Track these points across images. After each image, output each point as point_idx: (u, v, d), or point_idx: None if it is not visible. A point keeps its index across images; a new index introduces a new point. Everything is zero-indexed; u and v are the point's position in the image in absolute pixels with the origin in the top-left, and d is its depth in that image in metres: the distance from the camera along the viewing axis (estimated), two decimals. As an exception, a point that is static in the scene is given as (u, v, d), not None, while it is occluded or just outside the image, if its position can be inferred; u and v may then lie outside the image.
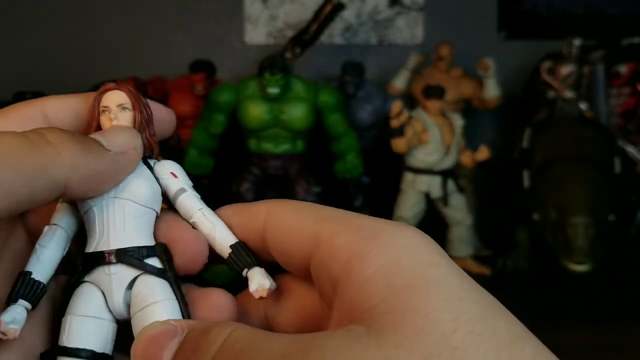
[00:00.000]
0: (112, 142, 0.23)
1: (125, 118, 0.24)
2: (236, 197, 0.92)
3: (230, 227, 0.24)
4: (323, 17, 0.96)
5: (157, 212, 0.24)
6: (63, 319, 0.22)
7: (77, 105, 0.25)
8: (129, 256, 0.23)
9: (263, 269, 0.23)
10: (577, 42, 0.94)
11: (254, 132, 0.93)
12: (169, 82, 1.05)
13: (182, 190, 0.24)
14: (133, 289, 0.23)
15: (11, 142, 0.20)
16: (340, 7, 0.97)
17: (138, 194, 0.23)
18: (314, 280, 0.21)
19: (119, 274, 0.23)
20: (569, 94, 0.94)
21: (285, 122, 0.91)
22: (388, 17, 1.18)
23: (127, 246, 0.23)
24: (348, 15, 1.15)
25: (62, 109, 0.25)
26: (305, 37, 0.96)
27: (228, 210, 0.25)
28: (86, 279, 0.23)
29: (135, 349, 0.21)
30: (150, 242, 0.23)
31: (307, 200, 0.86)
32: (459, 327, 0.16)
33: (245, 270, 0.23)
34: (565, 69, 0.95)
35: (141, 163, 0.24)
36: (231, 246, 0.23)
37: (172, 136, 0.28)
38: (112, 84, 0.25)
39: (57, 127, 0.22)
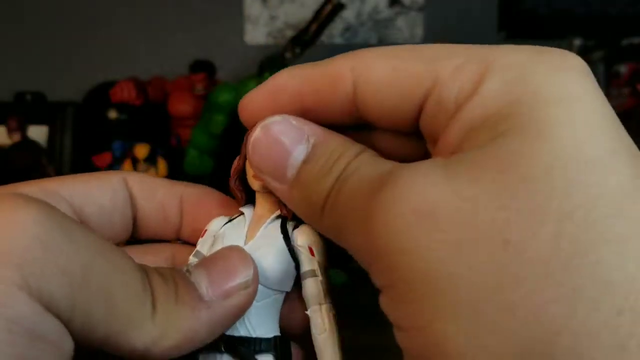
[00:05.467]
0: (215, 284, 0.18)
1: None
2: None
3: (299, 97, 0.19)
4: (323, 17, 0.96)
5: (286, 292, 0.21)
6: None
7: (159, 187, 0.23)
8: (239, 349, 0.20)
9: None
10: (577, 42, 0.94)
11: (254, 132, 0.93)
12: (169, 82, 1.05)
13: (312, 273, 0.20)
14: None
15: (126, 272, 0.17)
16: (340, 7, 0.97)
17: (267, 275, 0.20)
18: (426, 135, 0.18)
19: None
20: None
21: (285, 122, 0.91)
22: (388, 17, 1.18)
23: (242, 335, 0.20)
24: (348, 15, 1.15)
25: (144, 186, 0.22)
26: (305, 37, 0.96)
27: (288, 74, 0.19)
28: (200, 357, 0.20)
29: (257, 145, 0.18)
30: (272, 332, 0.20)
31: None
32: (552, 169, 0.14)
33: None
34: (565, 69, 0.95)
35: (276, 227, 0.21)
36: None
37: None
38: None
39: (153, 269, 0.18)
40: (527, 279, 0.13)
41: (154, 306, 0.17)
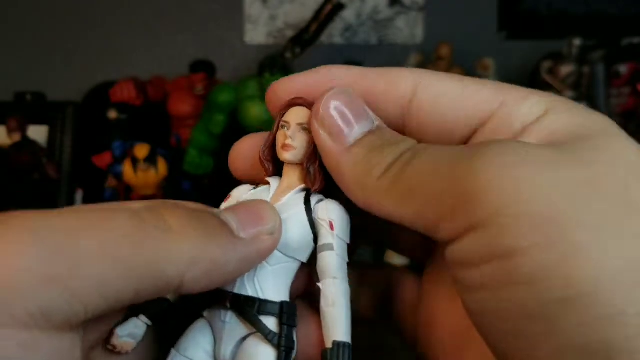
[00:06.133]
0: (245, 225, 0.19)
1: (301, 139, 0.21)
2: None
3: (354, 89, 0.20)
4: (323, 17, 0.96)
5: (301, 262, 0.21)
6: (172, 349, 0.21)
7: None
8: (244, 307, 0.20)
9: None
10: (577, 42, 0.94)
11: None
12: (169, 82, 1.05)
13: (329, 247, 0.20)
14: (242, 345, 0.20)
15: (121, 226, 0.16)
16: (340, 7, 0.97)
17: (285, 242, 0.20)
18: None
19: (232, 326, 0.20)
20: (569, 94, 0.94)
21: (285, 122, 0.91)
22: (388, 17, 1.18)
23: (249, 294, 0.20)
24: (348, 15, 1.15)
25: None
26: (305, 37, 0.96)
27: (346, 68, 0.21)
28: (205, 313, 0.21)
29: (328, 104, 0.20)
30: (281, 297, 0.20)
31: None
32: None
33: None
34: (565, 69, 0.95)
35: (300, 198, 0.21)
36: (335, 342, 0.19)
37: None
38: (301, 99, 0.22)
39: (178, 205, 0.19)
40: None
41: (175, 239, 0.17)
